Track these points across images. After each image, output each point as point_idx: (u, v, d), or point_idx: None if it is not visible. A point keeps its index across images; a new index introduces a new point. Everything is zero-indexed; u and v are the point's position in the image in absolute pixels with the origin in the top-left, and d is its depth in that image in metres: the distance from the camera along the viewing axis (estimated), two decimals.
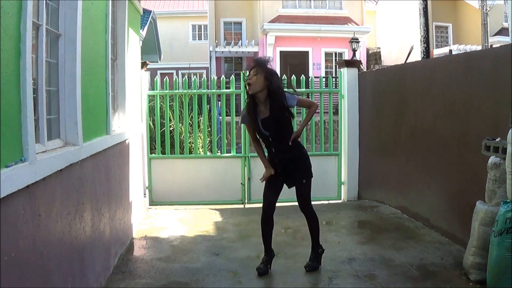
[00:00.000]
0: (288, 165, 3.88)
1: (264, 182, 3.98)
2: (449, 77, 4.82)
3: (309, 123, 5.00)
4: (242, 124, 4.14)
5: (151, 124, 7.73)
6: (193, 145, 7.30)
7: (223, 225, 5.66)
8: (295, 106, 3.89)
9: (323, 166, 6.81)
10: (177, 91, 7.02)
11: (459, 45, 19.49)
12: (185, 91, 6.80)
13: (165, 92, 6.81)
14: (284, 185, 4.01)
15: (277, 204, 4.05)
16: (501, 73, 3.90)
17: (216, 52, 20.44)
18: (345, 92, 6.85)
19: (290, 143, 3.81)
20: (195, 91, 6.83)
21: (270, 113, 3.75)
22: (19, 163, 2.17)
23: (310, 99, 4.38)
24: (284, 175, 3.91)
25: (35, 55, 2.64)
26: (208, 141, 7.33)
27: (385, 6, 24.21)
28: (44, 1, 2.74)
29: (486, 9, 17.11)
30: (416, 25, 12.74)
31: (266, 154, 4.04)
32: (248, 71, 3.73)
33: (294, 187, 3.99)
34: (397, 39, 21.87)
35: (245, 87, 3.77)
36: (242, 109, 4.05)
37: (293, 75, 6.85)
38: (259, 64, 3.69)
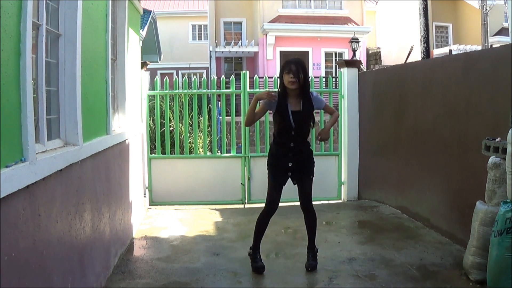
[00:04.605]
0: (301, 161, 3.96)
1: (270, 181, 3.99)
2: (449, 77, 4.82)
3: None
4: (246, 124, 4.17)
5: (151, 124, 7.74)
6: (193, 145, 7.31)
7: (223, 225, 5.66)
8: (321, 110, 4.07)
9: (323, 166, 6.79)
10: (177, 91, 7.03)
11: (459, 45, 19.50)
12: (185, 91, 6.80)
13: (165, 92, 6.81)
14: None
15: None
16: (501, 73, 3.90)
17: (216, 52, 20.44)
18: (345, 92, 6.85)
19: (319, 139, 4.02)
20: (195, 91, 6.83)
21: (302, 108, 3.92)
22: (19, 163, 2.17)
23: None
24: (296, 170, 3.96)
25: (35, 55, 2.64)
26: (208, 141, 7.33)
27: (385, 6, 24.21)
28: (44, 1, 2.73)
29: (486, 9, 17.11)
30: (416, 25, 12.75)
31: (270, 151, 4.08)
32: (291, 69, 3.84)
33: (296, 186, 4.03)
34: (397, 39, 21.88)
35: (281, 80, 3.91)
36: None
37: None
38: (302, 66, 3.89)
